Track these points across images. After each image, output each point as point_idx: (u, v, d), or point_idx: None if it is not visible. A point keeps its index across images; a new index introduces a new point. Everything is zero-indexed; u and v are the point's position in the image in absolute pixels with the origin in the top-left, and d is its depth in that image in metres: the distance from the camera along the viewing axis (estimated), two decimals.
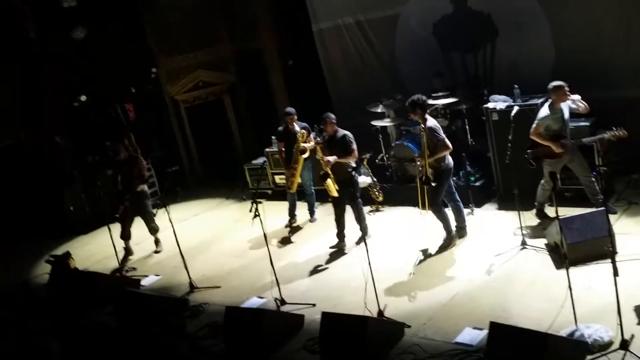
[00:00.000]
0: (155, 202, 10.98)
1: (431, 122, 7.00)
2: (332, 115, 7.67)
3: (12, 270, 9.54)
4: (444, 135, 6.95)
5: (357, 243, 7.61)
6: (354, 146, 7.52)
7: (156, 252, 9.05)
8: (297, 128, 8.54)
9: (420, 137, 7.06)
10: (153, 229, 9.00)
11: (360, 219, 7.63)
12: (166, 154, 12.09)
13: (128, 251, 8.93)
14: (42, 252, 9.83)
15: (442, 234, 7.24)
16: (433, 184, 6.90)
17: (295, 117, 8.64)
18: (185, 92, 12.33)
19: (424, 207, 7.14)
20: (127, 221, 8.79)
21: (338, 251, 7.69)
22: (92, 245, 10.12)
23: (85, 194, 10.89)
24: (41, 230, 10.74)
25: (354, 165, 7.59)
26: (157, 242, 9.10)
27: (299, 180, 8.61)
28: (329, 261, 7.57)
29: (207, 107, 12.47)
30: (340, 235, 7.75)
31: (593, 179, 6.99)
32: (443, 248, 7.14)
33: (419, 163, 7.25)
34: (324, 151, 7.56)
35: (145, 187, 8.84)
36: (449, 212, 7.26)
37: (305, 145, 8.32)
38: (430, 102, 8.46)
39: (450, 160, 7.06)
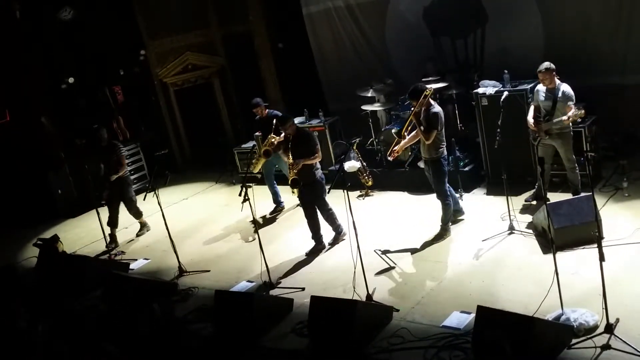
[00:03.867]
0: (144, 186, 10.96)
1: (437, 108, 6.87)
2: (291, 117, 7.49)
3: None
4: (440, 128, 6.83)
5: (331, 244, 7.44)
6: (318, 146, 7.27)
7: (138, 234, 9.07)
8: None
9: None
10: (136, 214, 8.98)
11: (330, 220, 7.38)
12: (155, 138, 12.03)
13: (113, 238, 8.83)
14: (29, 235, 9.78)
15: (437, 222, 7.25)
16: (405, 140, 7.08)
17: (257, 108, 8.64)
18: (174, 75, 12.24)
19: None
20: (114, 208, 8.77)
21: (326, 235, 7.67)
22: (80, 228, 10.08)
23: (73, 177, 10.82)
24: (29, 213, 10.66)
25: (319, 166, 7.36)
26: (142, 225, 9.09)
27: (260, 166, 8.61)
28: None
29: (196, 90, 12.40)
30: (316, 237, 7.42)
31: (576, 169, 7.04)
32: (437, 239, 7.02)
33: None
34: (286, 152, 7.30)
35: (124, 174, 8.71)
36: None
37: (275, 139, 7.93)
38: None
39: (444, 149, 6.96)
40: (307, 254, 7.35)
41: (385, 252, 6.89)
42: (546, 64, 6.81)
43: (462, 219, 7.38)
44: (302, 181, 7.15)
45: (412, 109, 6.92)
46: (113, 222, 8.81)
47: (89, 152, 10.89)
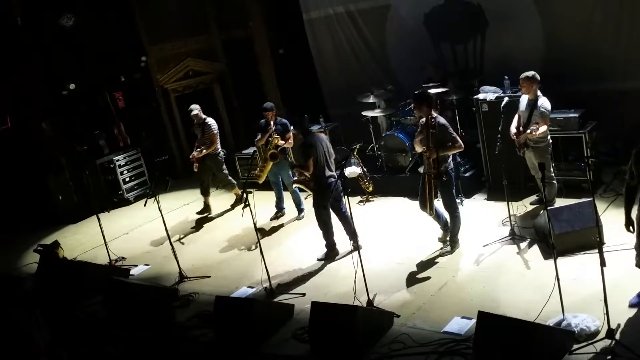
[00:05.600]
0: (144, 192, 10.96)
1: (440, 119, 6.55)
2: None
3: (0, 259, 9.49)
4: (456, 134, 6.56)
5: (320, 259, 7.31)
6: (310, 161, 7.01)
7: (199, 212, 9.58)
8: (272, 127, 8.45)
9: (420, 129, 6.60)
10: (230, 186, 9.64)
11: (323, 231, 7.24)
12: (156, 143, 12.03)
13: (207, 207, 9.57)
14: (30, 241, 9.77)
15: (437, 227, 7.15)
16: (444, 179, 6.46)
17: (272, 112, 8.57)
18: (175, 81, 12.26)
19: (431, 210, 6.64)
20: (205, 178, 9.41)
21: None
22: (80, 234, 10.07)
23: (73, 183, 10.83)
24: (29, 219, 10.66)
25: (329, 174, 7.16)
26: (206, 205, 9.59)
27: (265, 175, 8.71)
28: (319, 250, 7.56)
29: (197, 96, 12.40)
30: (354, 237, 6.77)
31: (554, 181, 7.07)
32: (446, 252, 6.79)
33: (427, 157, 6.54)
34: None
35: (214, 151, 9.22)
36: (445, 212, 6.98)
37: (281, 142, 8.38)
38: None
39: (451, 161, 6.74)
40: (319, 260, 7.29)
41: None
42: (529, 73, 6.83)
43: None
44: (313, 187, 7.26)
45: (428, 157, 6.47)
46: (206, 191, 9.47)
47: (89, 158, 10.97)
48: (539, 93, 6.85)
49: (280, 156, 8.43)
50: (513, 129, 7.05)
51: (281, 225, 8.77)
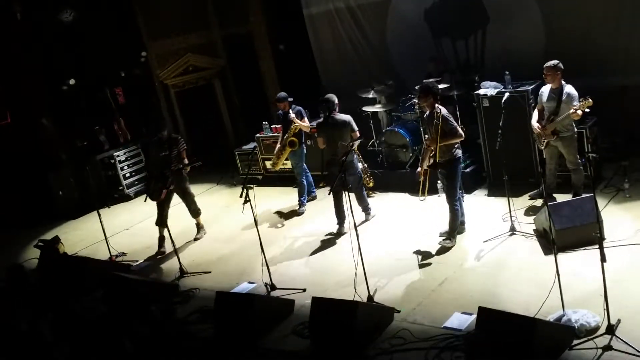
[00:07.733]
0: (145, 188, 10.96)
1: (444, 110, 6.64)
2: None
3: (1, 255, 9.49)
4: (456, 124, 6.68)
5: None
6: (319, 138, 7.76)
7: (196, 238, 8.60)
8: (291, 115, 8.56)
9: (428, 121, 6.77)
10: (195, 212, 8.52)
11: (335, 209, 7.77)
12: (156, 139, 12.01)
13: (162, 239, 8.34)
14: (30, 236, 9.77)
15: (438, 223, 7.19)
16: (440, 170, 6.69)
17: (282, 103, 8.62)
18: (175, 77, 12.26)
19: (423, 193, 6.85)
20: (166, 206, 8.23)
21: (328, 236, 7.70)
22: (81, 230, 10.08)
23: (74, 178, 10.83)
24: (29, 215, 10.67)
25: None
26: (199, 226, 8.67)
27: (282, 164, 8.83)
28: (319, 246, 7.59)
29: (197, 92, 12.41)
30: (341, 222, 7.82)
31: (581, 171, 7.03)
32: (443, 247, 6.79)
33: (427, 146, 6.78)
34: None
35: (185, 169, 8.17)
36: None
37: (302, 124, 8.54)
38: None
39: (459, 150, 6.78)
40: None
41: None
42: (554, 62, 6.80)
43: (464, 231, 7.13)
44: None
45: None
46: (163, 222, 8.14)
47: (89, 154, 10.97)
48: (563, 82, 6.83)
49: (297, 143, 8.53)
50: (535, 123, 7.02)
51: (281, 220, 8.78)
